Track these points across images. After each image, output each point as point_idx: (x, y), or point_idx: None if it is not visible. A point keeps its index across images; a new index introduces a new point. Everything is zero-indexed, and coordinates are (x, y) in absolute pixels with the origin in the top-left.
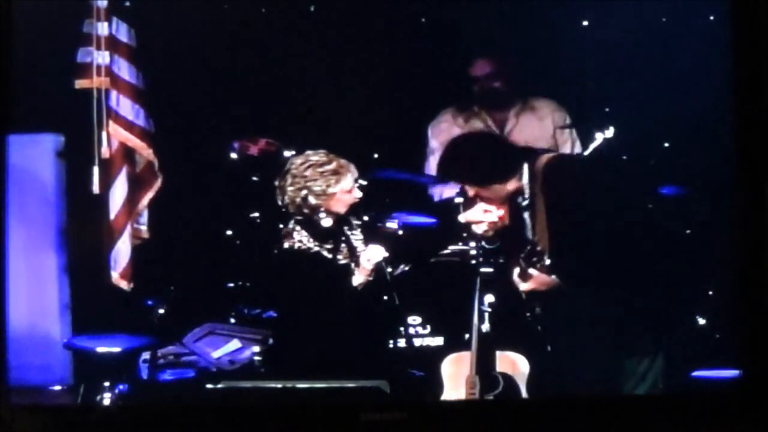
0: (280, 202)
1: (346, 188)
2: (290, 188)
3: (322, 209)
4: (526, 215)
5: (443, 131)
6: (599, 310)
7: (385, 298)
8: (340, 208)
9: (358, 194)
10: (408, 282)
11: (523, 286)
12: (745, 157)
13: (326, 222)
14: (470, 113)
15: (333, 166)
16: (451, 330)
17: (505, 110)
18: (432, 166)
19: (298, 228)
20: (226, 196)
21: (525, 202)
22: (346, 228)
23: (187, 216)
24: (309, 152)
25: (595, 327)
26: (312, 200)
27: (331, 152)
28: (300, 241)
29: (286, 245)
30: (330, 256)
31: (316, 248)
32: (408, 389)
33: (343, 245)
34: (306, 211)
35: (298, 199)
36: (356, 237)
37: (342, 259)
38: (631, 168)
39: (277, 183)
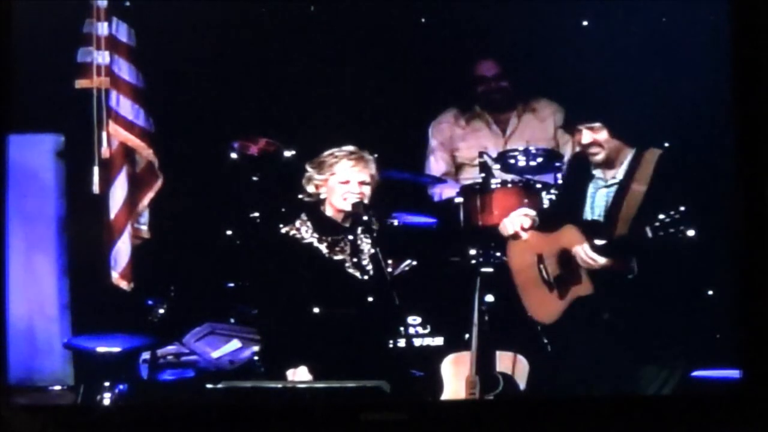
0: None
1: (339, 178)
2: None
3: (322, 197)
4: (605, 194)
5: (444, 131)
6: (600, 311)
7: (385, 298)
8: (339, 201)
9: (356, 189)
10: (408, 282)
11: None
12: (745, 157)
13: (332, 214)
14: (472, 114)
15: (340, 153)
16: (451, 330)
17: (506, 111)
18: (432, 165)
19: (305, 218)
20: (226, 196)
21: (613, 180)
22: (350, 225)
23: (187, 216)
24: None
25: (595, 327)
26: (306, 185)
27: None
28: (298, 230)
29: (288, 242)
30: (326, 252)
31: (318, 245)
32: (408, 389)
33: (346, 244)
34: (307, 198)
35: (303, 181)
36: (362, 237)
37: (342, 257)
38: None
39: None
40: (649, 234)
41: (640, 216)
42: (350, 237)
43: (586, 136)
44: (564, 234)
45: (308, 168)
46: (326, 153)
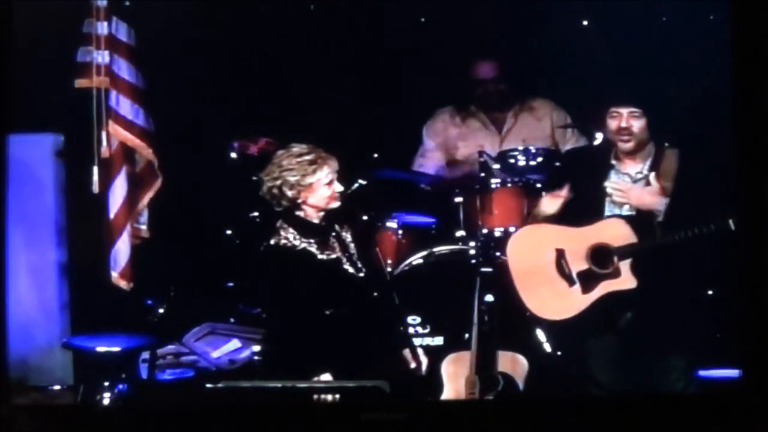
0: (260, 193)
1: (324, 181)
2: (266, 178)
3: (300, 201)
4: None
5: (439, 131)
6: (630, 305)
7: (385, 297)
8: (321, 202)
9: (339, 188)
10: (408, 282)
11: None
12: (745, 157)
13: (310, 215)
14: (467, 113)
15: (311, 156)
16: (451, 330)
17: (503, 110)
18: (429, 165)
19: (284, 225)
20: (226, 196)
21: (640, 175)
22: (335, 224)
23: (187, 216)
24: (293, 144)
25: (596, 327)
26: (287, 191)
27: (332, 152)
28: (286, 239)
29: (280, 252)
30: (319, 253)
31: (309, 249)
32: (408, 389)
33: (333, 241)
34: (284, 203)
35: (274, 190)
36: (347, 233)
37: (335, 255)
38: None
39: (259, 175)
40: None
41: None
42: (333, 234)
43: (625, 120)
44: (605, 228)
45: (289, 177)
46: (294, 161)
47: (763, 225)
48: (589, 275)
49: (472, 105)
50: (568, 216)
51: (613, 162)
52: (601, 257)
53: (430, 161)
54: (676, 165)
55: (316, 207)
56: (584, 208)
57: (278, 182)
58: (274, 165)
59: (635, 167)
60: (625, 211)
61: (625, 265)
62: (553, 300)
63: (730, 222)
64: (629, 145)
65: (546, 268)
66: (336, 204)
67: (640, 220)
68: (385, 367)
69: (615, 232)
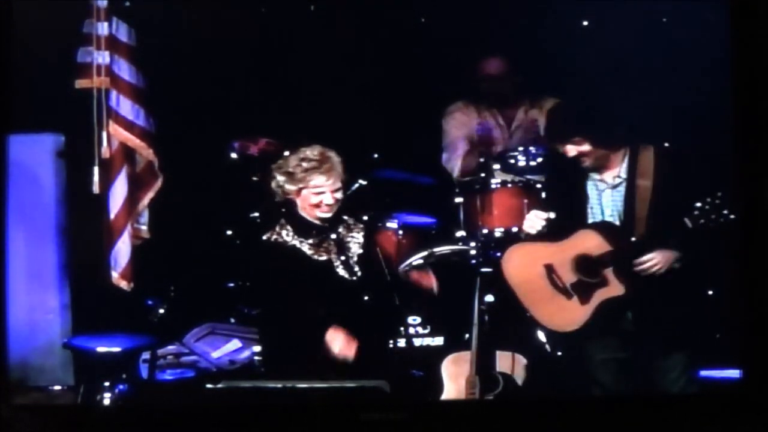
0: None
1: (315, 190)
2: (273, 168)
3: (295, 200)
4: (610, 194)
5: (464, 123)
6: (626, 311)
7: (385, 298)
8: (313, 209)
9: (329, 201)
10: (408, 282)
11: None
12: (744, 157)
13: (311, 215)
14: (481, 106)
15: (311, 164)
16: (451, 330)
17: (513, 107)
18: (445, 160)
19: (283, 221)
20: (226, 196)
21: (618, 180)
22: (341, 226)
23: (187, 216)
24: (313, 145)
25: (596, 330)
26: (279, 190)
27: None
28: (279, 234)
29: (272, 247)
30: (311, 253)
31: (301, 248)
32: (408, 389)
33: (330, 243)
34: (280, 200)
35: (273, 183)
36: (355, 235)
37: (328, 257)
38: None
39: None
40: (689, 224)
41: (662, 211)
42: (333, 236)
43: (571, 150)
44: (581, 240)
45: (277, 176)
46: (293, 162)
47: (763, 225)
48: (581, 285)
49: (482, 102)
50: (550, 230)
51: (591, 174)
52: (588, 266)
53: (458, 153)
54: (653, 162)
55: (309, 212)
56: (565, 220)
57: (277, 177)
58: (281, 160)
59: (611, 173)
60: (611, 217)
61: (609, 273)
62: (559, 313)
63: (687, 221)
64: (588, 164)
65: (542, 285)
66: (326, 215)
67: (607, 227)
68: (385, 367)
69: (589, 242)
